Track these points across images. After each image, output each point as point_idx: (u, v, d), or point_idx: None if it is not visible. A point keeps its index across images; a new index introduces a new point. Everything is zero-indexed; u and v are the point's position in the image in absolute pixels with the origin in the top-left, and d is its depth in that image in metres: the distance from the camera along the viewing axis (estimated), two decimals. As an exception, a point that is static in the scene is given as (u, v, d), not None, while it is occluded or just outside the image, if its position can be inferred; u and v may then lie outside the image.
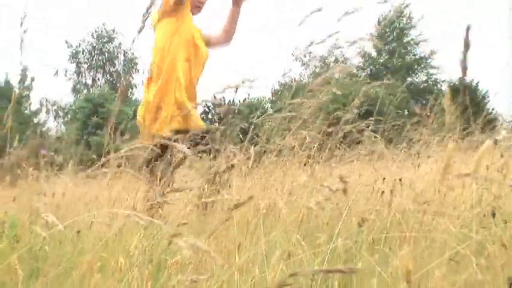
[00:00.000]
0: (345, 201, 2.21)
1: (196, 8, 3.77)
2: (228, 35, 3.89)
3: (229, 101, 28.88)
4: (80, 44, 41.16)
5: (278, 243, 2.01)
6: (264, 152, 2.87)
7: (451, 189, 2.22)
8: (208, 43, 3.83)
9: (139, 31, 2.18)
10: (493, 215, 1.89)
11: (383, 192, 2.36)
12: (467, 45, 1.87)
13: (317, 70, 32.73)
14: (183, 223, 1.60)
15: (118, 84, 39.86)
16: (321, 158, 2.94)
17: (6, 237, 2.28)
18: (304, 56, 33.65)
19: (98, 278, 1.72)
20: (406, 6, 32.52)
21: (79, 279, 1.99)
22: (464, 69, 1.88)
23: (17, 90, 23.26)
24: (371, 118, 2.93)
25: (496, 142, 2.36)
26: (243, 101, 29.82)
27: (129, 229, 2.25)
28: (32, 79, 23.73)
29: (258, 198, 2.46)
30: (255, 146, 2.69)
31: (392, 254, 1.79)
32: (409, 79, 32.94)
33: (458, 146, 2.59)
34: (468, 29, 1.86)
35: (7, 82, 23.42)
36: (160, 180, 2.85)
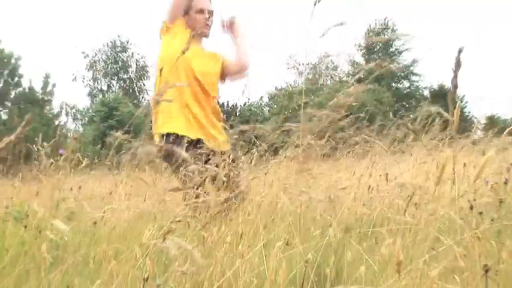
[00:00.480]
0: (337, 196, 2.24)
1: (203, 31, 3.38)
2: (240, 66, 3.49)
3: (232, 104, 29.02)
4: (96, 54, 41.43)
5: (277, 235, 2.03)
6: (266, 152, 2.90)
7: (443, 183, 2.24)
8: (228, 72, 3.48)
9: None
10: (471, 207, 1.92)
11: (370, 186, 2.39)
12: (458, 64, 1.90)
13: (309, 77, 33.31)
14: (176, 220, 1.61)
15: (130, 90, 40.02)
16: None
17: (30, 228, 2.31)
18: (299, 65, 34.12)
19: (114, 264, 1.74)
20: (389, 20, 33.50)
21: (96, 266, 2.02)
22: (454, 87, 1.90)
23: (40, 95, 23.28)
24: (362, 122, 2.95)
25: (474, 142, 2.39)
26: (244, 104, 30.00)
27: (143, 221, 2.28)
28: (53, 85, 23.75)
29: (261, 193, 2.49)
30: (257, 147, 2.71)
31: (380, 244, 1.81)
32: (393, 85, 33.61)
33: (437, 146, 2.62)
34: (460, 51, 1.89)
35: (31, 88, 23.46)
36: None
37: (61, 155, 2.52)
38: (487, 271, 1.37)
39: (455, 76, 1.92)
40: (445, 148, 2.48)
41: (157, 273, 1.57)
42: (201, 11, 3.30)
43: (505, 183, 2.17)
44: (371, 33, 33.49)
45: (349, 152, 3.29)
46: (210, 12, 3.35)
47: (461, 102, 24.90)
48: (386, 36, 33.27)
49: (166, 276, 1.62)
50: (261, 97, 30.64)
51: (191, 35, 3.20)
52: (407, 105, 32.60)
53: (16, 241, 2.25)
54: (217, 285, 1.59)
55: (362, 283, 1.49)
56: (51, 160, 2.52)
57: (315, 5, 1.92)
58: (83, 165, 2.90)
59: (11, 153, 3.38)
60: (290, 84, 31.46)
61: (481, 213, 1.86)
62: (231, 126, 2.80)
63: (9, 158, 3.32)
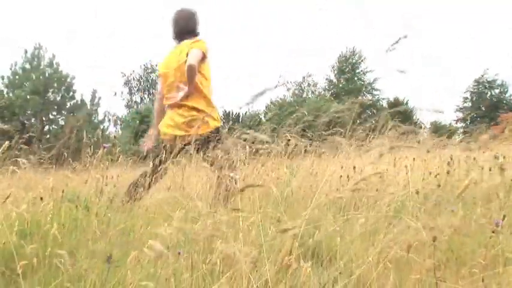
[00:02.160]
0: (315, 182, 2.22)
1: None
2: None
3: (236, 113, 29.09)
4: (131, 74, 41.61)
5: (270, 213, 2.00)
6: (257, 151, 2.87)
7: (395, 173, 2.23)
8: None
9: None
10: (417, 192, 1.90)
11: (341, 176, 2.36)
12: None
13: (296, 92, 33.63)
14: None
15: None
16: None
17: (80, 208, 2.28)
18: (287, 82, 34.35)
19: (146, 236, 1.70)
20: (356, 48, 33.63)
21: (131, 238, 1.99)
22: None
23: (89, 106, 23.52)
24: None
25: (419, 142, 2.37)
26: (245, 113, 30.14)
27: (169, 203, 2.24)
28: (99, 98, 23.84)
29: (255, 180, 2.46)
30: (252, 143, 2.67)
31: (350, 220, 1.79)
32: (360, 98, 33.87)
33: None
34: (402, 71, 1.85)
35: (82, 100, 23.67)
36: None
37: (105, 147, 2.50)
38: (434, 240, 1.35)
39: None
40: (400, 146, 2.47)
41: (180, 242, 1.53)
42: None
43: (448, 172, 2.16)
44: (342, 58, 33.42)
45: (323, 151, 3.26)
46: None
47: (412, 111, 24.85)
48: (353, 60, 33.85)
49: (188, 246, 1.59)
50: (259, 109, 30.78)
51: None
52: (370, 113, 32.83)
53: (70, 218, 2.22)
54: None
55: (337, 251, 1.47)
56: (96, 153, 2.49)
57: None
58: (120, 159, 2.87)
59: (66, 149, 3.33)
60: (281, 98, 31.67)
61: (427, 196, 1.83)
62: (234, 130, 2.75)
63: (64, 153, 3.27)
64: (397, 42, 1.55)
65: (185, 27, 3.11)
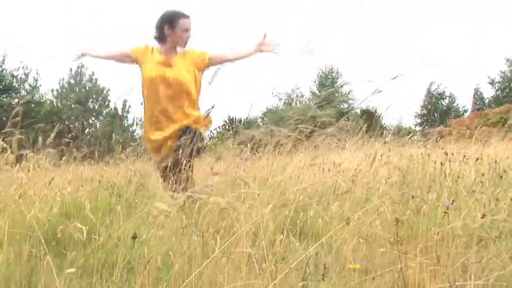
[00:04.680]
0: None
1: (183, 46, 2.47)
2: (233, 60, 2.49)
3: (239, 119, 29.05)
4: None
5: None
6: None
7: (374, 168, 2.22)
8: (221, 60, 2.47)
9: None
10: (391, 185, 1.89)
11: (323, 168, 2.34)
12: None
13: (286, 101, 33.68)
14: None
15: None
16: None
17: (112, 195, 2.27)
18: (279, 93, 34.37)
19: (164, 218, 1.68)
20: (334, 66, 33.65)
21: (153, 219, 1.97)
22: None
23: (120, 112, 23.61)
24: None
25: (385, 142, 2.36)
26: (246, 118, 30.12)
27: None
28: (129, 106, 23.88)
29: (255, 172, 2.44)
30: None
31: (330, 205, 1.78)
32: (338, 106, 33.90)
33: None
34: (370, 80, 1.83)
35: (115, 108, 23.73)
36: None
37: (131, 146, 2.49)
38: (397, 221, 1.34)
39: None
40: (372, 144, 2.47)
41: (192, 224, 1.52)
42: (186, 31, 2.43)
43: (407, 166, 2.14)
44: (322, 75, 33.32)
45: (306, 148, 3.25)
46: (190, 29, 2.47)
47: (379, 116, 24.83)
48: (333, 75, 33.94)
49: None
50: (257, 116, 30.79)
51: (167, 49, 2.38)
52: (346, 119, 32.84)
53: (105, 202, 2.21)
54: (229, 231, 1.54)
55: (319, 230, 1.46)
56: (126, 150, 2.48)
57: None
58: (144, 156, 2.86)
59: (101, 147, 3.33)
60: (274, 106, 31.71)
61: (392, 185, 1.82)
62: (236, 132, 2.72)
63: (99, 150, 3.27)
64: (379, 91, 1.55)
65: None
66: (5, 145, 1.98)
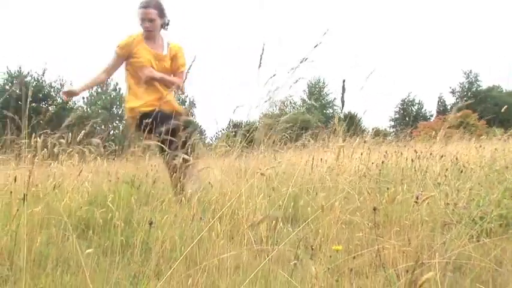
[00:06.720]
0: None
1: (147, 35, 2.25)
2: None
3: (237, 122, 28.87)
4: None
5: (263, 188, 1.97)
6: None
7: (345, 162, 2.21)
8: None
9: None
10: (364, 176, 1.87)
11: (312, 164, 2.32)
12: (343, 90, 1.84)
13: (280, 107, 33.59)
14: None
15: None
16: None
17: (131, 186, 2.24)
18: (275, 101, 34.31)
19: (176, 207, 1.66)
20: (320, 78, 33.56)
21: (167, 207, 1.94)
22: (343, 103, 1.85)
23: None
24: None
25: (365, 142, 2.35)
26: (246, 121, 29.98)
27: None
28: (146, 111, 23.91)
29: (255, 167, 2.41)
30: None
31: (317, 196, 1.76)
32: (324, 112, 33.83)
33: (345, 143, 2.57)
34: (344, 81, 1.82)
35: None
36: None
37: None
38: (375, 210, 1.33)
39: (342, 96, 1.85)
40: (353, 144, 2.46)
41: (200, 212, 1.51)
42: (142, 21, 2.22)
43: (382, 162, 2.13)
44: (311, 85, 33.05)
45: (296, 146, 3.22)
46: (148, 19, 2.20)
47: (357, 118, 24.72)
48: (320, 85, 33.85)
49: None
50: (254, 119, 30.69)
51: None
52: (331, 123, 32.73)
53: (126, 194, 2.18)
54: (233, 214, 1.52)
55: (308, 217, 1.44)
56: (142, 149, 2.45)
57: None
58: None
59: (121, 145, 3.31)
60: (269, 111, 31.71)
61: (370, 179, 1.81)
62: (236, 133, 2.67)
63: (119, 148, 3.25)
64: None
65: None
66: (46, 144, 1.97)
